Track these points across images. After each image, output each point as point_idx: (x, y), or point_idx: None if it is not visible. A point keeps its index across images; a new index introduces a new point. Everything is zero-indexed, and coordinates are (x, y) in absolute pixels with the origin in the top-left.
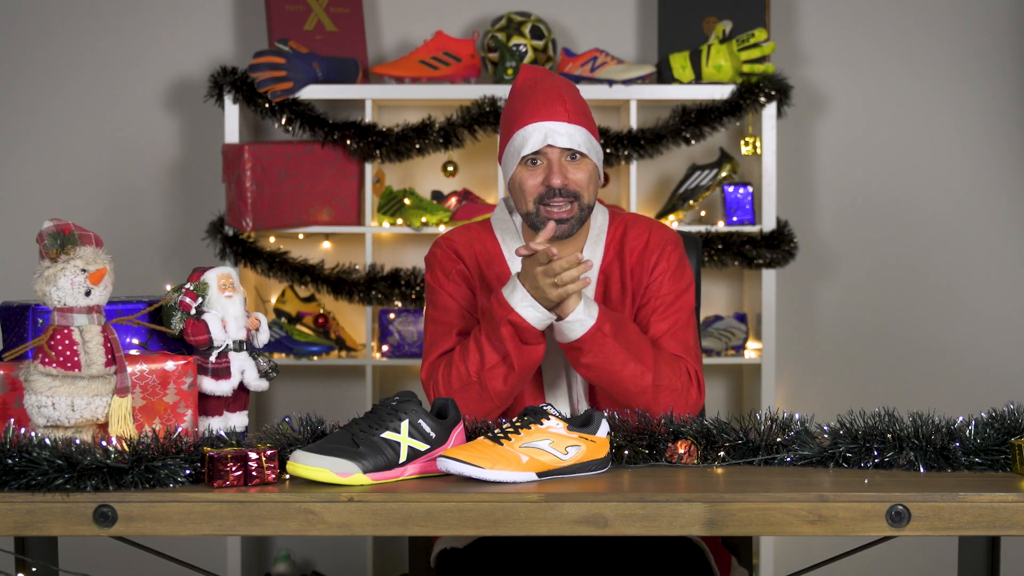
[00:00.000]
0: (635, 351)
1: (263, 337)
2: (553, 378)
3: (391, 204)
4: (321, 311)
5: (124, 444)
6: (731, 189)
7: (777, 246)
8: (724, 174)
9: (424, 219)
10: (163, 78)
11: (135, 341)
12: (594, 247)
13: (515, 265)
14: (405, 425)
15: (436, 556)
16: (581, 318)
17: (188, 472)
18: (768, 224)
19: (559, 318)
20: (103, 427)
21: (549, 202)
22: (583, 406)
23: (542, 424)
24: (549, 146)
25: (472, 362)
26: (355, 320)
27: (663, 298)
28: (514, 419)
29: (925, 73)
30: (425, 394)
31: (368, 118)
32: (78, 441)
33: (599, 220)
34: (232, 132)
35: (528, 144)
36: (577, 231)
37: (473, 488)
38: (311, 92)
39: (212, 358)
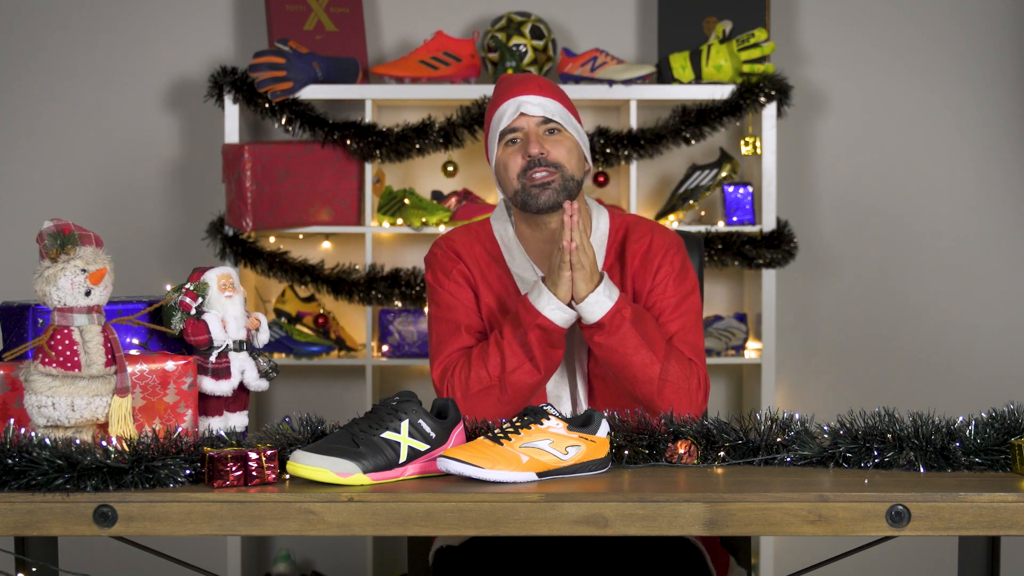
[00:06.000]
0: (649, 340)
1: (263, 337)
2: (556, 377)
3: (391, 204)
4: (321, 311)
5: (124, 444)
6: (731, 189)
7: (777, 246)
8: (724, 174)
9: (424, 219)
10: (163, 78)
11: (135, 341)
12: (596, 250)
13: (514, 265)
14: (405, 425)
15: (433, 554)
16: (600, 299)
17: (188, 472)
18: (768, 224)
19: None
20: (103, 427)
21: (530, 173)
22: (583, 407)
23: (542, 424)
24: (523, 115)
25: (493, 365)
26: (355, 320)
27: (669, 300)
28: (514, 419)
29: (925, 73)
30: (437, 395)
31: (368, 118)
32: (78, 441)
33: (601, 223)
34: (232, 132)
35: (504, 119)
36: (563, 199)
37: (473, 488)
38: (311, 92)
39: (212, 358)
